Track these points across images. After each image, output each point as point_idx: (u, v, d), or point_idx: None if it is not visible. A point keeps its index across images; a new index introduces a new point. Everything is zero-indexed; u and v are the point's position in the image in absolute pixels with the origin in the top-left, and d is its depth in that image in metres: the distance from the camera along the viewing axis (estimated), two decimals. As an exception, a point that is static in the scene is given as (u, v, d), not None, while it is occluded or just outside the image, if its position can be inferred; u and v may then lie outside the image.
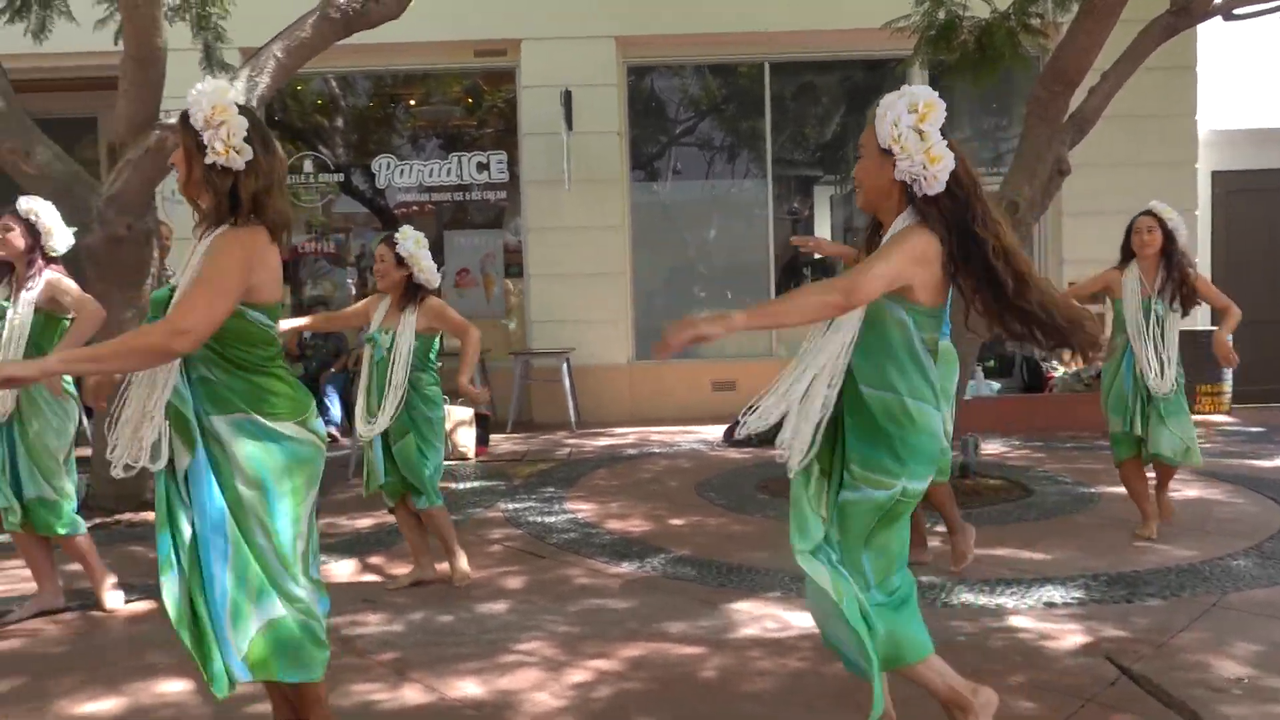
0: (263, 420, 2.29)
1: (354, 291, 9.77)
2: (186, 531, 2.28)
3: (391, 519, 5.17)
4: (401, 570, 4.37)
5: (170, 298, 2.31)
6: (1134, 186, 8.83)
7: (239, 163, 2.28)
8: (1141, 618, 3.59)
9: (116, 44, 5.80)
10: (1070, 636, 3.43)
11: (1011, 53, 6.19)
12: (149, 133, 5.26)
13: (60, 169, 5.40)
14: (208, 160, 2.27)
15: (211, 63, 6.96)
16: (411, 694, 3.07)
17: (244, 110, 2.32)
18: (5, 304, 3.83)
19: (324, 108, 10.07)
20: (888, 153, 2.24)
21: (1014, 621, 3.59)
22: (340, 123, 10.09)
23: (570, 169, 8.93)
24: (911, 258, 2.21)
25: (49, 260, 3.87)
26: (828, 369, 2.29)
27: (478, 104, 9.94)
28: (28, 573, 3.97)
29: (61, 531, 3.83)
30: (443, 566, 4.23)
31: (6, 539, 4.12)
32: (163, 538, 2.30)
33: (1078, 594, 3.88)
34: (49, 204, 3.93)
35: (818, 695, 2.95)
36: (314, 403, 2.45)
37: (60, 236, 3.88)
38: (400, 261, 4.02)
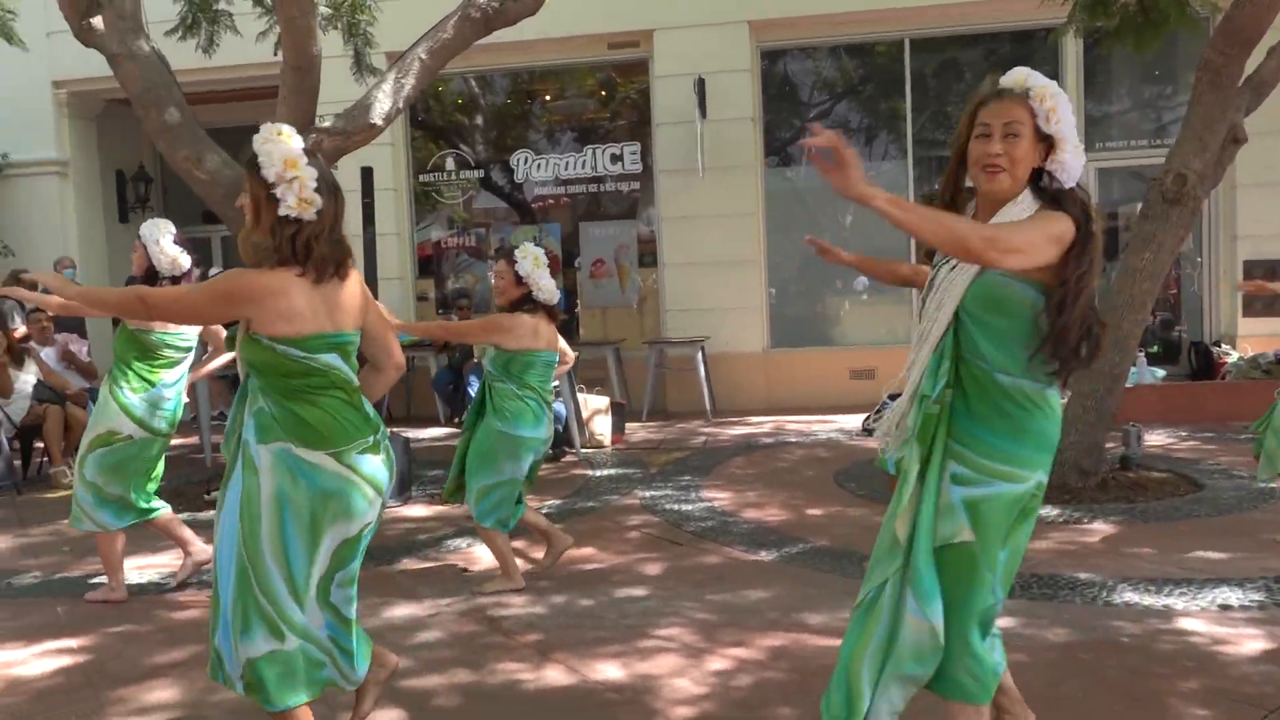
0: (295, 449, 2.37)
1: (494, 284, 10.05)
2: (217, 539, 2.45)
3: (533, 504, 5.31)
4: (544, 554, 4.48)
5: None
6: (1320, 154, 8.09)
7: (310, 214, 2.38)
8: (1333, 624, 3.29)
9: (276, 54, 6.15)
10: (1249, 642, 3.17)
11: (1178, 15, 5.73)
12: (306, 136, 5.55)
13: (228, 174, 5.78)
14: (280, 212, 2.37)
15: (361, 68, 7.29)
16: (554, 674, 3.14)
17: (311, 159, 2.42)
18: None
19: (464, 106, 10.40)
20: (1048, 138, 2.14)
21: (1184, 624, 3.35)
22: (479, 120, 10.40)
23: (704, 157, 8.90)
24: (1052, 237, 2.09)
25: (163, 280, 4.04)
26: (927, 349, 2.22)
27: (611, 96, 10.05)
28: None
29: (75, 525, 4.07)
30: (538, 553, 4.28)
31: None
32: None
33: (1257, 596, 3.58)
34: (167, 227, 4.11)
35: (967, 693, 2.83)
36: (370, 437, 2.44)
37: (165, 262, 4.04)
38: (519, 280, 4.03)
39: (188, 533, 4.27)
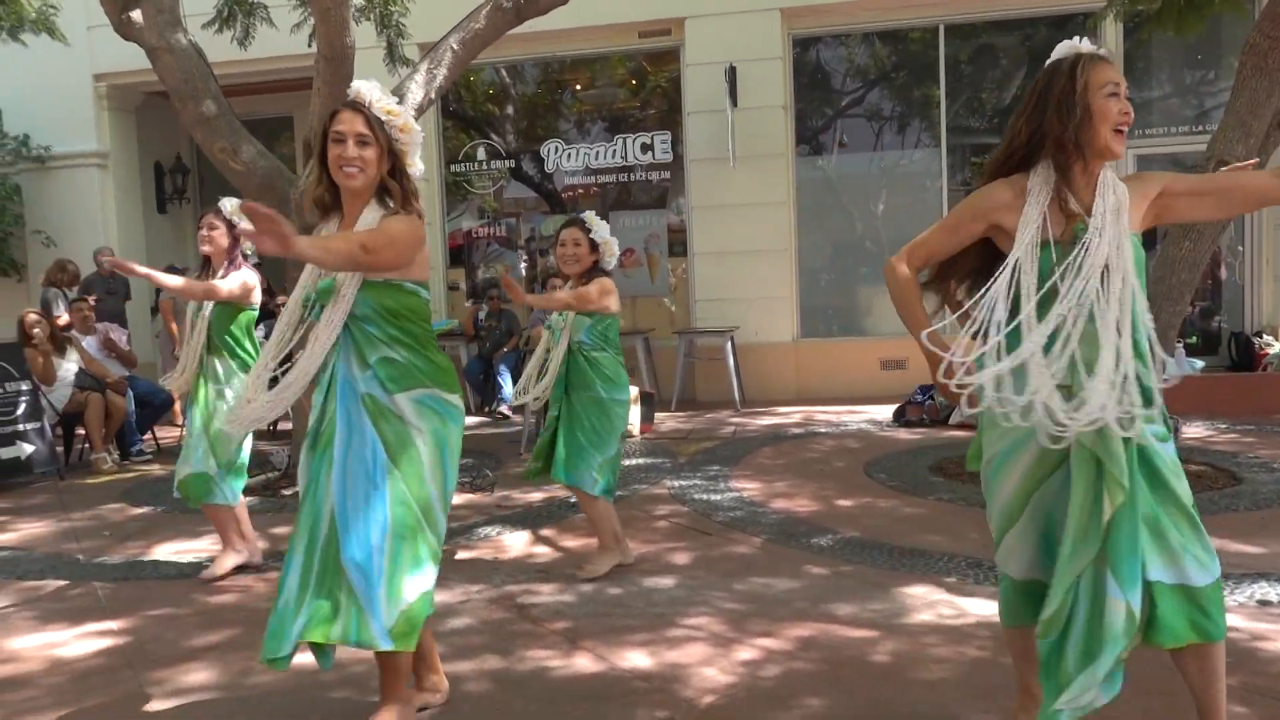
0: (441, 394, 2.51)
1: (524, 274, 10.11)
2: (329, 504, 2.44)
3: (563, 493, 5.34)
4: (573, 542, 4.51)
5: (332, 287, 2.49)
6: (1369, 140, 7.88)
7: (418, 171, 2.59)
8: (1376, 622, 3.22)
9: (310, 46, 6.21)
10: (1289, 638, 3.12)
11: (1223, -3, 5.62)
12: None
13: (264, 165, 5.85)
14: (411, 170, 2.54)
15: (394, 59, 7.34)
16: (583, 662, 3.16)
17: None
18: None
19: (495, 96, 10.43)
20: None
21: (1221, 619, 3.30)
22: (510, 110, 10.43)
23: (735, 146, 8.86)
24: None
25: (246, 261, 4.20)
26: (1116, 320, 2.06)
27: (642, 85, 10.03)
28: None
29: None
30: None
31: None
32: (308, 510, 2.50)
33: (1298, 592, 3.52)
34: None
35: (998, 686, 2.82)
36: None
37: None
38: (594, 247, 4.05)
39: (248, 527, 4.36)
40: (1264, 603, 3.45)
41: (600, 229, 4.06)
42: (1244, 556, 3.97)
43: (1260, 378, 7.87)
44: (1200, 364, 8.20)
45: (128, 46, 6.07)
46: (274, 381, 2.67)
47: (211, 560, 4.41)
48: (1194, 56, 8.99)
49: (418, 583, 2.43)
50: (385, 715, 2.56)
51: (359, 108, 2.49)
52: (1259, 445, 6.23)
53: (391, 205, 2.52)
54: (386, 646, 2.39)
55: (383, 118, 2.49)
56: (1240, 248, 8.94)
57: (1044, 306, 2.10)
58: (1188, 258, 5.20)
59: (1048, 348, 2.07)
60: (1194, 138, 8.58)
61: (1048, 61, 2.22)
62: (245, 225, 2.14)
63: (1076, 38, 2.23)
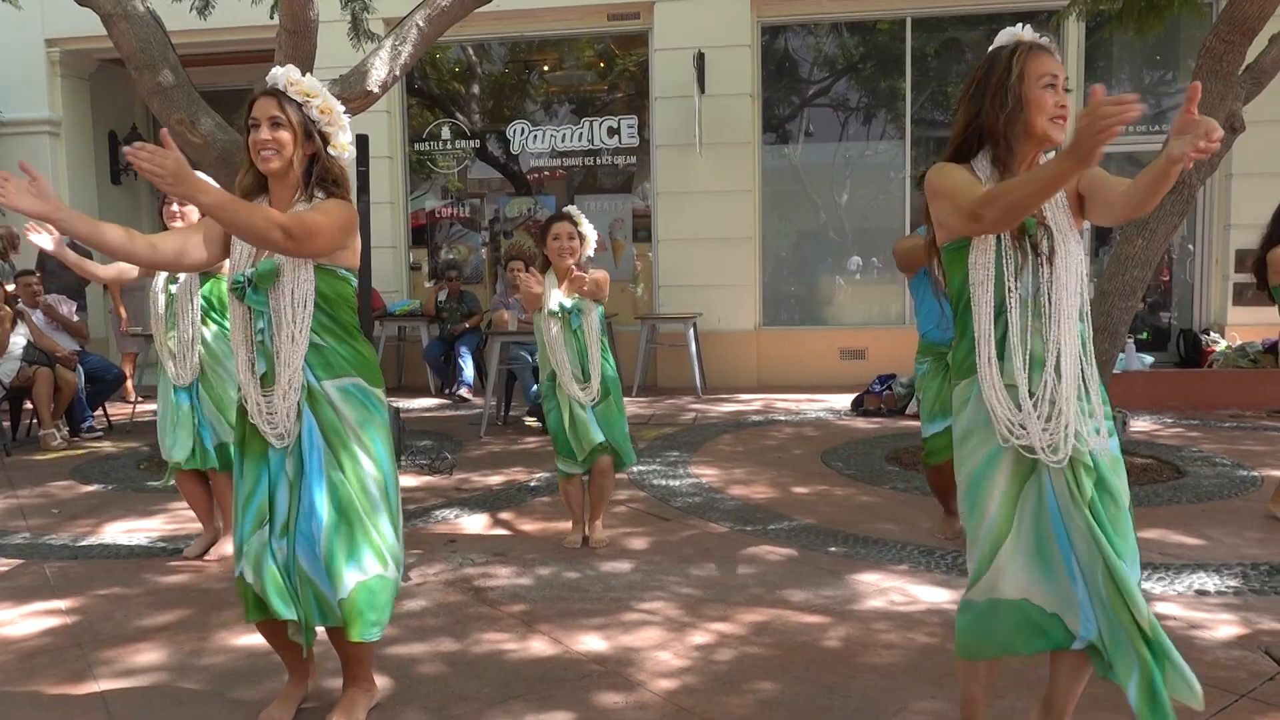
0: (365, 384, 2.50)
1: (485, 256, 10.04)
2: (285, 498, 2.45)
3: (522, 476, 5.34)
4: (531, 526, 4.51)
5: (275, 270, 2.42)
6: (1317, 145, 8.10)
7: (348, 156, 2.53)
8: (1307, 612, 3.34)
9: (272, 18, 6.08)
10: (1223, 627, 3.22)
11: (1182, 0, 5.71)
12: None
13: (222, 138, 5.73)
14: (331, 151, 2.48)
15: (359, 33, 7.21)
16: (538, 645, 3.18)
17: None
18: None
19: (461, 75, 10.32)
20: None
21: (1160, 609, 3.40)
22: (476, 89, 10.32)
23: (701, 132, 8.86)
24: None
25: None
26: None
27: (610, 68, 9.98)
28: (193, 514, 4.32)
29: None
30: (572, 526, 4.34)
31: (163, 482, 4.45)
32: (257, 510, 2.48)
33: (1233, 583, 3.63)
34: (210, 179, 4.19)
35: (946, 672, 2.88)
36: None
37: None
38: (583, 240, 4.30)
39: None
40: (1201, 592, 3.55)
41: (585, 222, 4.34)
42: (1184, 547, 4.09)
43: (1206, 374, 8.08)
44: (1150, 359, 8.39)
45: (81, 11, 5.90)
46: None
47: (166, 542, 4.36)
48: (1153, 57, 9.16)
49: (354, 574, 2.43)
50: (346, 704, 2.62)
51: (273, 92, 2.45)
52: (1203, 440, 6.40)
53: (320, 196, 2.48)
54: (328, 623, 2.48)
55: (299, 100, 2.45)
56: (1191, 246, 9.15)
57: (1000, 306, 2.10)
58: (1140, 255, 5.30)
59: (1001, 348, 2.10)
60: (1151, 136, 8.74)
61: (990, 48, 2.18)
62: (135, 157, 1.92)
63: (1020, 25, 2.18)
